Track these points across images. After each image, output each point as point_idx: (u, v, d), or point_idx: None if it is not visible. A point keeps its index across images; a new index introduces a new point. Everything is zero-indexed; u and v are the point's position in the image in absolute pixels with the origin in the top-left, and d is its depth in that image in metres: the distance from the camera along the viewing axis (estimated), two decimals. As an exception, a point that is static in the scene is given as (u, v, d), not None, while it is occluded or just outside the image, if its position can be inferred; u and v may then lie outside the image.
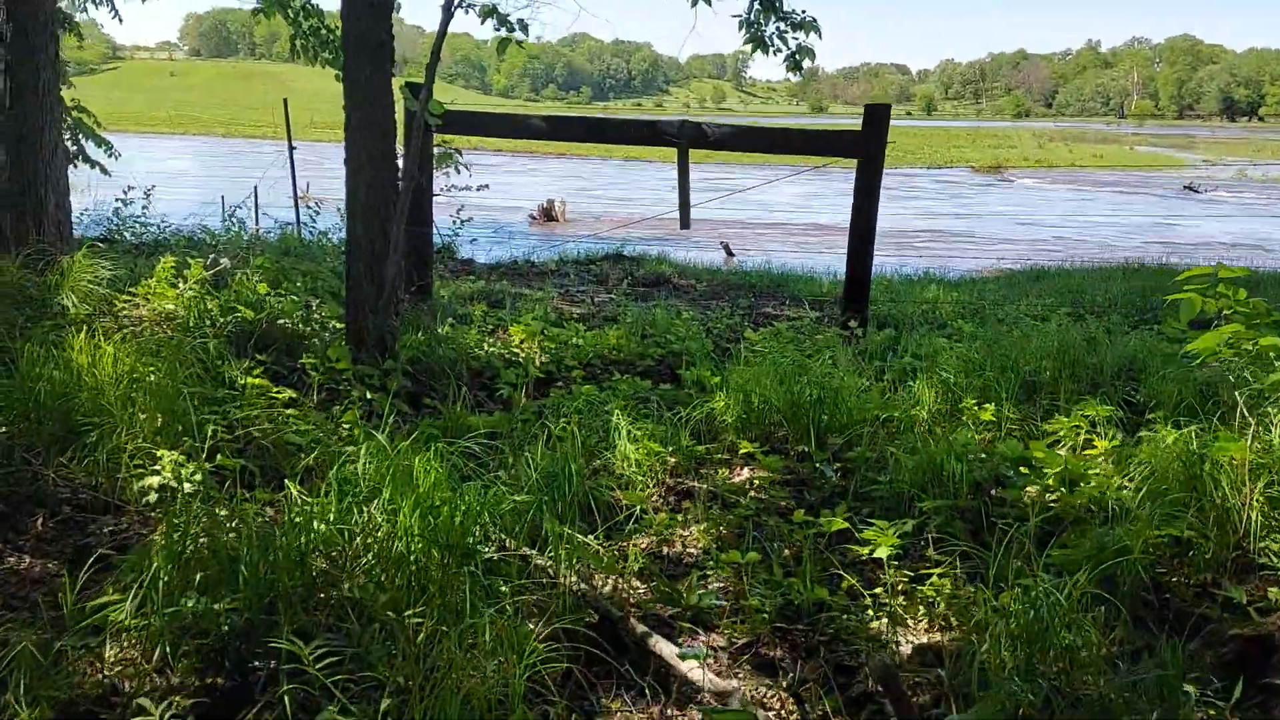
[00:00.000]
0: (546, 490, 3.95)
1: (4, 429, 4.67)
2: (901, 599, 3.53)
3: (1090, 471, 4.24)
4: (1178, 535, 3.63)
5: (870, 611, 3.45)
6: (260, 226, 13.77)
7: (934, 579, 3.52)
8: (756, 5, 8.49)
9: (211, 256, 7.63)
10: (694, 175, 8.82)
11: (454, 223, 12.67)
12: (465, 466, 3.89)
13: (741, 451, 4.99)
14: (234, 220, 12.40)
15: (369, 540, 3.28)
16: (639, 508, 4.19)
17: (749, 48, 8.85)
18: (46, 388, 4.79)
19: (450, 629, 2.79)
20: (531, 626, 3.02)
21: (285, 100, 14.79)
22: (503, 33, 6.74)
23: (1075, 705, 2.67)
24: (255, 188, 14.96)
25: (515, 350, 6.82)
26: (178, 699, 2.68)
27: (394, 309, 6.15)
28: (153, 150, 44.52)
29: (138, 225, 11.67)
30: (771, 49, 8.74)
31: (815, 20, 8.36)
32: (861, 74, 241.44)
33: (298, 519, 3.23)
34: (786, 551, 3.98)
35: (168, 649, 2.86)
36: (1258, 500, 3.61)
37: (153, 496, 4.07)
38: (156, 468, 4.13)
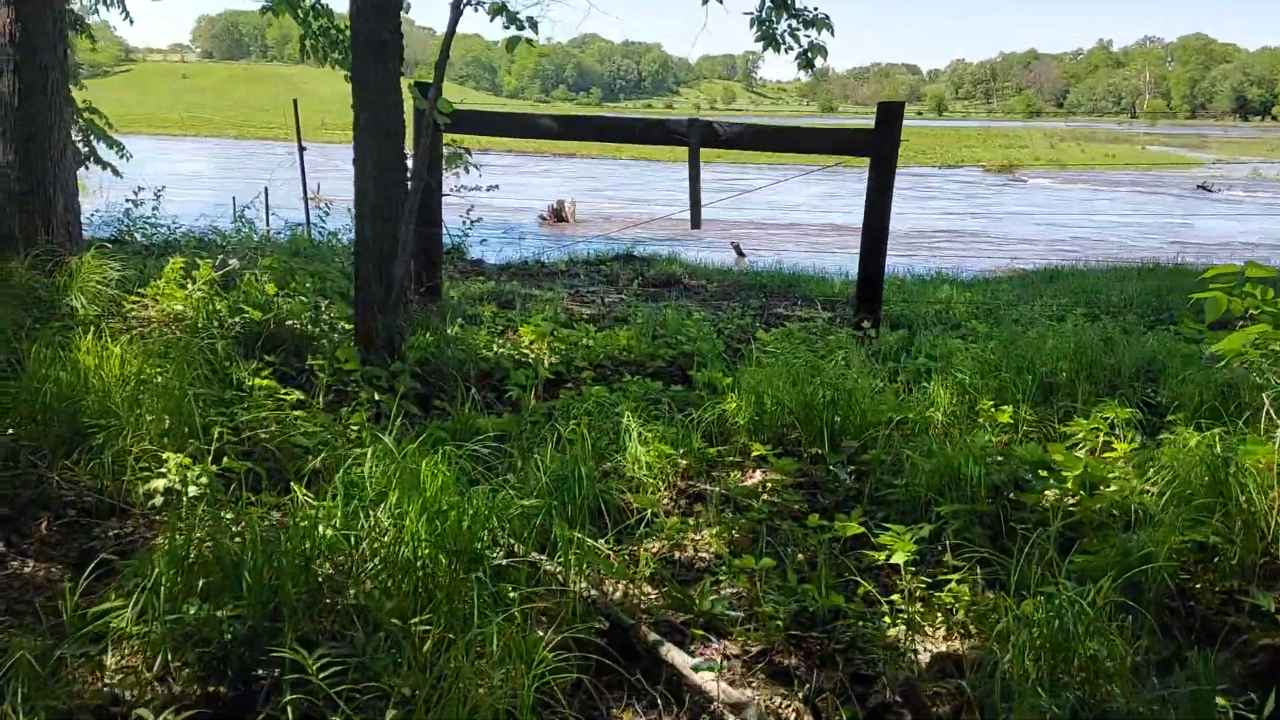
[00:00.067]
0: (556, 494, 3.88)
1: (11, 431, 4.63)
2: (919, 606, 3.45)
3: (1111, 475, 4.15)
4: (1202, 541, 3.54)
5: (887, 619, 3.37)
6: (270, 228, 13.74)
7: (952, 585, 3.44)
8: (768, 3, 8.41)
9: (220, 257, 7.59)
10: (707, 175, 8.75)
11: (463, 223, 12.61)
12: (473, 470, 3.82)
13: (754, 454, 4.91)
14: (244, 221, 12.37)
15: (375, 545, 3.22)
16: (650, 511, 4.12)
17: (760, 46, 8.77)
18: (53, 389, 4.75)
19: (458, 637, 2.72)
20: (540, 634, 2.96)
21: (295, 101, 14.77)
22: (512, 31, 6.68)
23: (1103, 718, 2.59)
24: (265, 189, 14.93)
25: (525, 351, 6.76)
26: (179, 709, 2.62)
27: (403, 310, 6.10)
28: (165, 152, 44.70)
29: (148, 226, 11.65)
30: (783, 47, 8.65)
31: (827, 17, 8.27)
32: (872, 74, 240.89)
33: (303, 523, 3.17)
34: (800, 556, 3.91)
35: (169, 657, 2.80)
36: (1285, 505, 3.52)
37: (158, 500, 4.02)
38: (162, 471, 4.09)
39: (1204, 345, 6.99)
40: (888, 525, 3.80)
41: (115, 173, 15.84)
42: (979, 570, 3.52)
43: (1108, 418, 4.78)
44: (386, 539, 3.23)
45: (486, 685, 2.57)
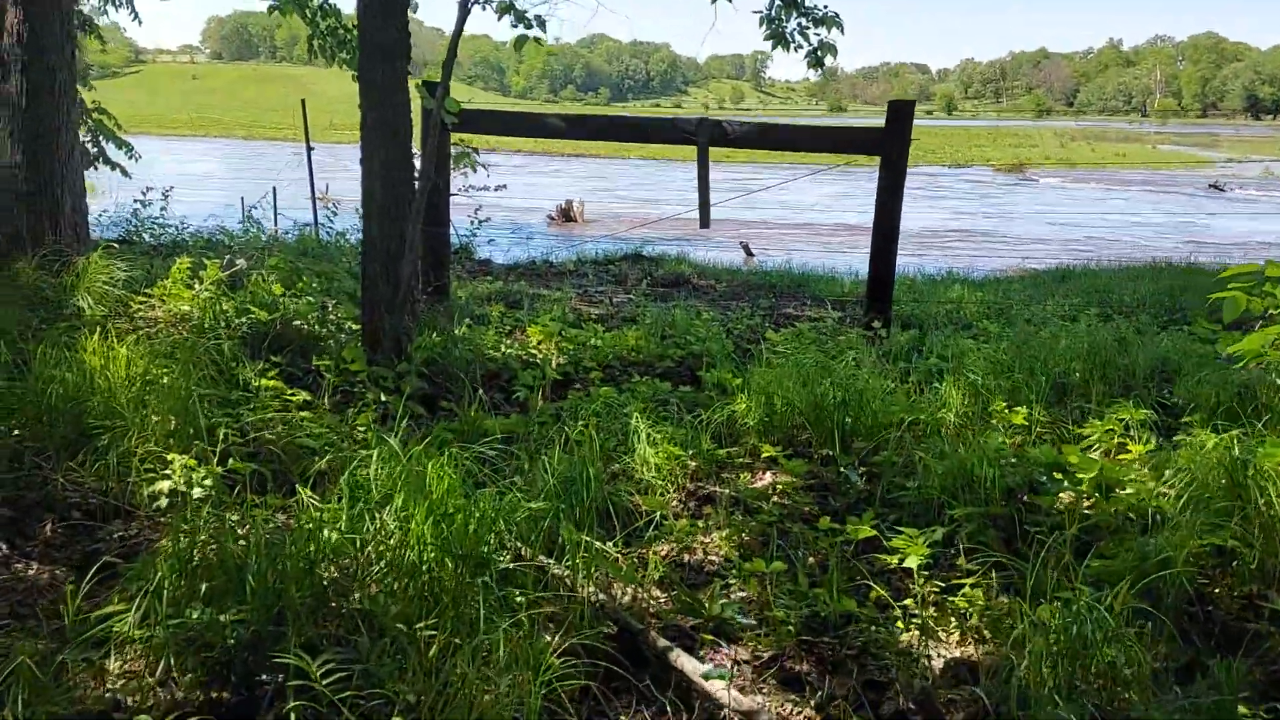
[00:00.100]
0: (564, 496, 3.83)
1: (17, 432, 4.61)
2: (932, 610, 3.39)
3: (1127, 478, 4.08)
4: (1221, 545, 3.47)
5: (900, 624, 3.31)
6: (278, 228, 13.74)
7: (966, 589, 3.39)
8: (778, 1, 8.36)
9: (227, 257, 7.57)
10: (719, 175, 8.69)
11: (471, 223, 12.59)
12: (480, 472, 3.77)
13: (764, 455, 4.86)
14: (252, 221, 12.37)
15: (381, 548, 3.18)
16: (659, 514, 4.07)
17: (770, 44, 8.72)
18: (59, 390, 4.72)
19: (464, 642, 2.68)
20: (548, 638, 2.91)
21: (303, 101, 14.78)
22: (520, 30, 6.65)
23: (1122, 728, 2.53)
24: (274, 189, 14.94)
25: (533, 351, 6.72)
26: (181, 715, 2.59)
27: (410, 310, 6.07)
28: (174, 153, 44.82)
29: (155, 226, 11.65)
30: (793, 45, 8.60)
31: (837, 15, 8.22)
32: (881, 73, 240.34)
33: (308, 526, 3.13)
34: (811, 559, 3.85)
35: (172, 662, 2.76)
36: (1306, 508, 3.46)
37: (163, 501, 3.99)
38: (167, 472, 4.05)
39: (1219, 345, 6.93)
40: (900, 528, 3.74)
41: (124, 173, 15.89)
42: (993, 574, 3.46)
43: (1123, 419, 4.72)
44: (392, 541, 3.19)
45: (493, 692, 2.53)
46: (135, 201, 11.99)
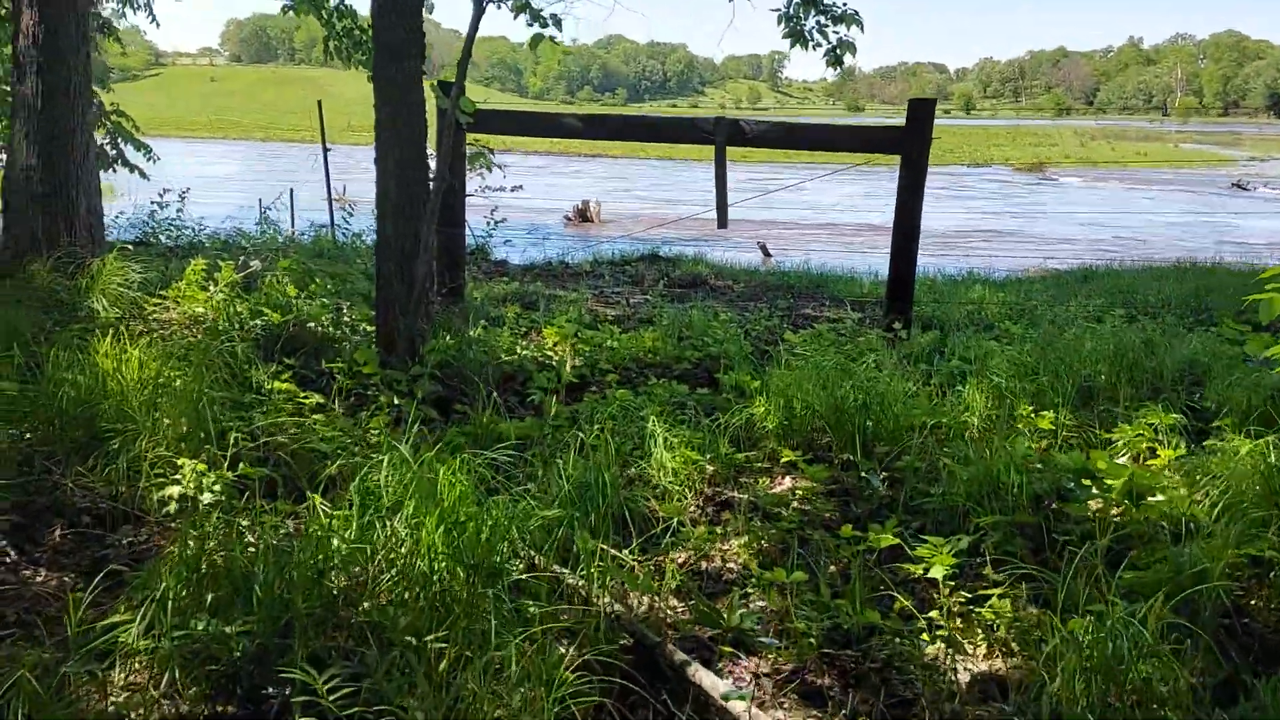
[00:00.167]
0: (579, 502, 3.75)
1: (29, 435, 4.57)
2: (958, 622, 3.29)
3: (1158, 485, 3.96)
4: (1258, 555, 3.36)
5: (925, 636, 3.21)
6: (295, 229, 13.74)
7: (994, 601, 3.28)
8: (796, -1, 8.27)
9: (242, 259, 7.54)
10: (738, 175, 8.60)
11: (487, 224, 12.54)
12: (493, 479, 3.69)
13: (783, 460, 4.76)
14: (269, 223, 12.35)
15: (392, 555, 3.10)
16: (676, 520, 3.98)
17: (788, 43, 8.63)
18: (70, 393, 4.68)
19: (475, 656, 2.60)
20: (562, 650, 2.83)
21: (319, 103, 14.77)
22: (536, 29, 6.59)
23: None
24: (291, 190, 14.95)
25: (548, 353, 6.65)
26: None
27: (425, 311, 6.01)
28: (193, 155, 45.06)
29: (172, 228, 11.66)
30: (811, 44, 8.51)
31: (856, 13, 8.12)
32: (899, 73, 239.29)
33: (317, 533, 3.06)
34: (833, 568, 3.76)
35: (177, 674, 2.69)
36: (1347, 517, 3.34)
37: (173, 507, 3.94)
38: (177, 477, 4.00)
39: (1248, 347, 6.77)
40: (924, 536, 3.64)
41: (142, 175, 15.94)
42: (1023, 585, 3.35)
43: (1152, 424, 4.60)
44: (404, 549, 3.11)
45: (505, 709, 2.45)
46: (152, 203, 12.00)
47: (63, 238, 7.39)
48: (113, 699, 2.68)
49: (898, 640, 3.18)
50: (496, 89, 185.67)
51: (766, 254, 18.87)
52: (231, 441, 4.14)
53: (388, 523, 3.20)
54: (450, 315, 6.94)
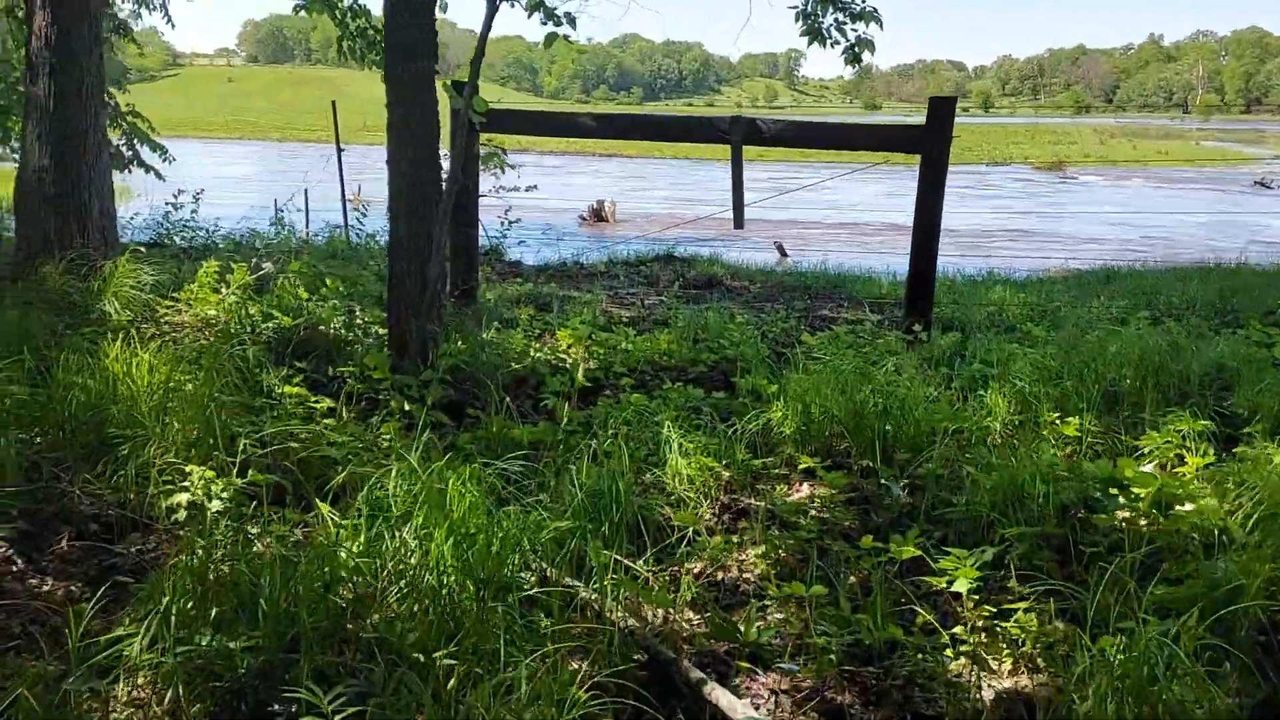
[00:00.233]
0: (592, 511, 3.67)
1: (38, 440, 4.53)
2: (982, 637, 3.19)
3: (1187, 494, 3.84)
4: (1294, 568, 3.24)
5: (949, 651, 3.11)
6: (309, 230, 13.72)
7: (1019, 615, 3.18)
8: (814, -4, 8.16)
9: (254, 261, 7.49)
10: (757, 174, 8.52)
11: (501, 224, 12.48)
12: (504, 489, 3.61)
13: (801, 466, 4.67)
14: (283, 224, 12.33)
15: (401, 567, 3.03)
16: (691, 529, 3.89)
17: (806, 41, 8.53)
18: (80, 398, 4.64)
19: (484, 674, 2.52)
20: (574, 665, 2.75)
21: (333, 103, 14.75)
22: (550, 28, 6.51)
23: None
24: (305, 191, 14.93)
25: (562, 355, 6.57)
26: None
27: (437, 313, 5.94)
28: (209, 155, 45.27)
29: (187, 229, 11.65)
30: (829, 42, 8.40)
31: (875, 10, 8.00)
32: (916, 71, 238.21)
33: (323, 545, 2.99)
34: (853, 579, 3.66)
35: (181, 691, 2.62)
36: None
37: (181, 514, 3.88)
38: (185, 484, 3.94)
39: (1278, 350, 6.63)
40: (946, 547, 3.55)
41: (158, 176, 15.98)
42: (1046, 597, 3.25)
43: (1180, 430, 4.48)
44: (413, 560, 3.04)
45: (514, 730, 2.37)
46: (167, 204, 12.00)
47: (75, 239, 7.36)
48: (115, 715, 2.62)
49: (920, 656, 3.09)
50: (512, 88, 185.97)
51: (783, 253, 18.75)
52: (241, 448, 4.09)
53: (397, 533, 3.13)
54: (463, 317, 6.88)
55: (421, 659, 2.63)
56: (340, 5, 9.91)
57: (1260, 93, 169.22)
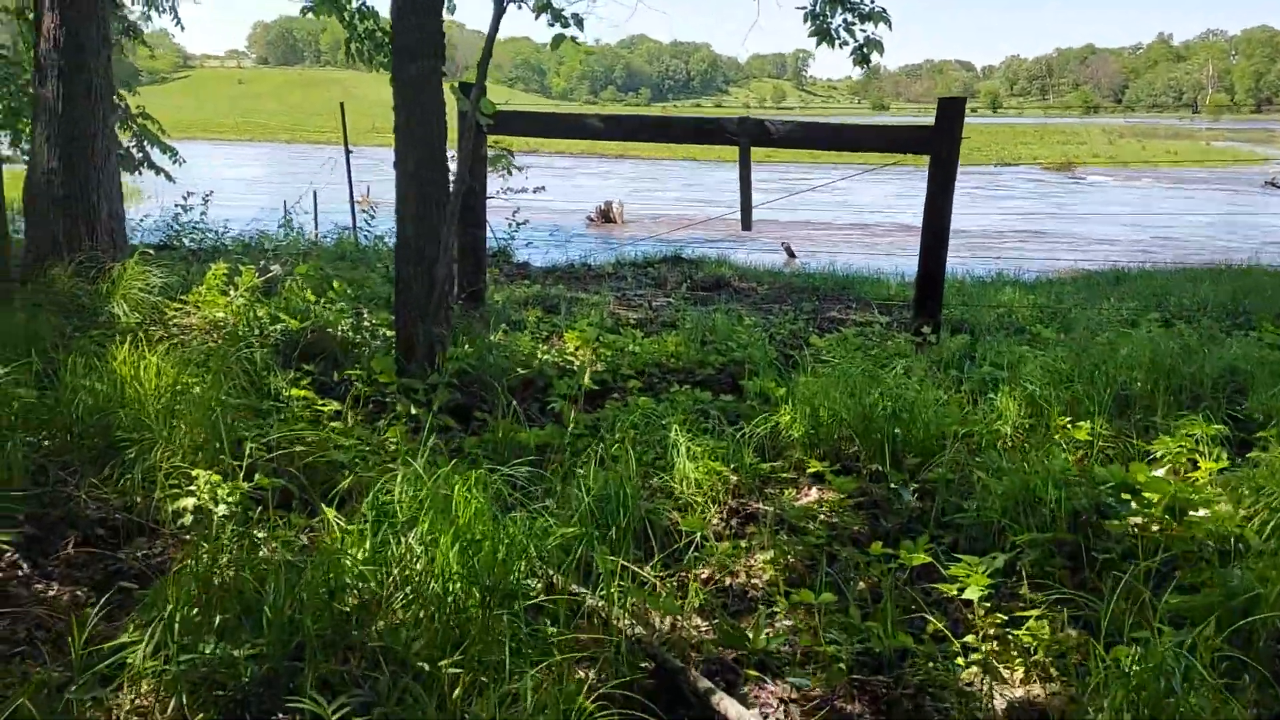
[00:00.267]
0: (599, 516, 3.64)
1: (46, 443, 4.52)
2: (994, 645, 3.15)
3: (1200, 499, 3.80)
4: (1311, 576, 3.19)
5: (959, 660, 3.07)
6: (318, 231, 13.73)
7: (1031, 623, 3.14)
8: (822, -4, 8.13)
9: (262, 263, 7.49)
10: (768, 174, 8.49)
11: (509, 225, 12.47)
12: (510, 496, 3.58)
13: (809, 470, 4.64)
14: (291, 226, 12.33)
15: (407, 572, 3.01)
16: (699, 534, 3.86)
17: (814, 41, 8.49)
18: (87, 401, 4.63)
19: (490, 683, 2.49)
20: (581, 674, 2.72)
21: (341, 105, 14.75)
22: (557, 29, 6.49)
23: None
24: (315, 193, 14.95)
25: (569, 358, 6.55)
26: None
27: (445, 315, 5.92)
28: (220, 157, 45.40)
29: (196, 231, 11.67)
30: (838, 42, 8.37)
31: (884, 10, 7.96)
32: (925, 71, 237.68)
33: (328, 551, 2.97)
34: (862, 585, 3.63)
35: (184, 699, 2.60)
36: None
37: (187, 519, 3.87)
38: (192, 488, 3.93)
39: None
40: (956, 552, 3.51)
41: (168, 178, 16.02)
42: (1064, 611, 3.21)
43: (1193, 435, 4.43)
44: (419, 566, 3.02)
45: (520, 741, 2.34)
46: (176, 206, 12.02)
47: (84, 241, 7.36)
48: (118, 724, 2.60)
49: (931, 665, 3.05)
50: (520, 89, 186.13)
51: (791, 254, 18.70)
52: (247, 452, 4.07)
53: (402, 539, 3.10)
54: (471, 320, 6.86)
55: (426, 668, 2.60)
56: (348, 7, 9.90)
57: (1271, 92, 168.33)
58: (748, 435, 4.93)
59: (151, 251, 7.84)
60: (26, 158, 8.75)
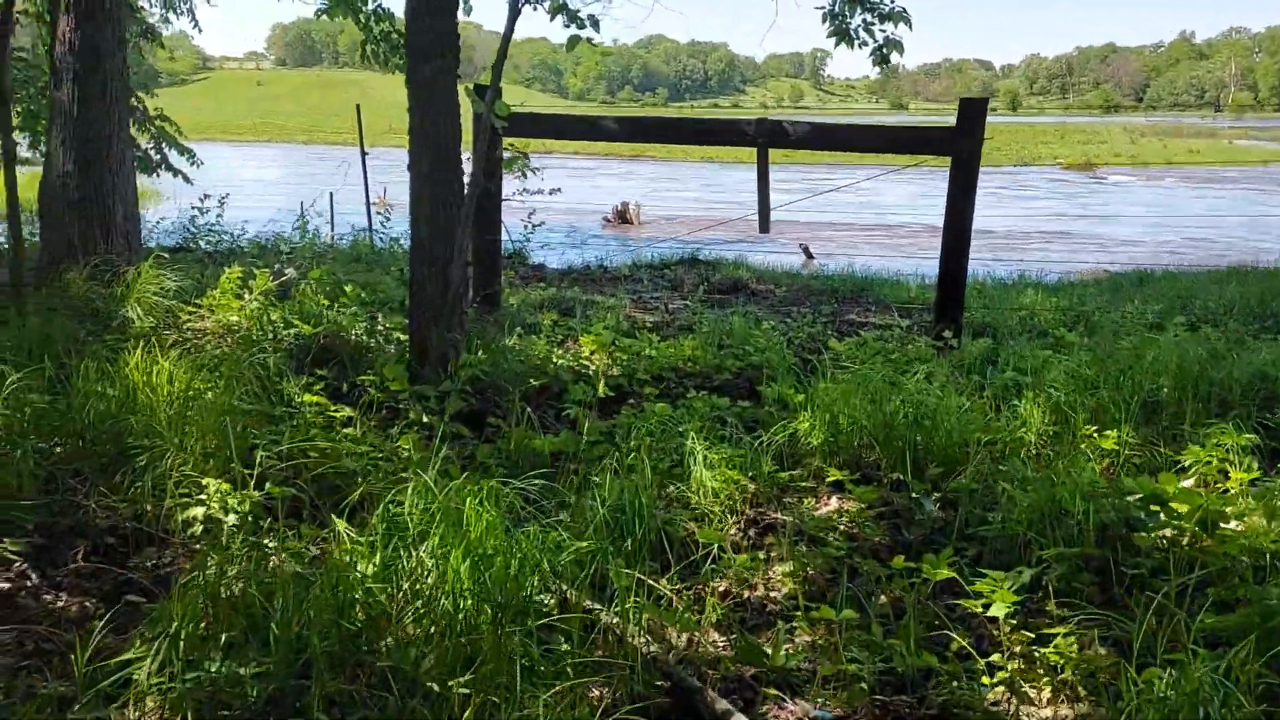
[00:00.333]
0: (614, 527, 3.57)
1: (58, 450, 4.48)
2: (1020, 663, 3.06)
3: (1233, 511, 3.69)
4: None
5: (985, 679, 2.98)
6: (334, 233, 13.73)
7: (1058, 641, 3.04)
8: (841, -4, 8.03)
9: (276, 266, 7.45)
10: (789, 174, 8.42)
11: (525, 227, 12.42)
12: (523, 509, 3.51)
13: (829, 479, 4.55)
14: (307, 228, 12.33)
15: (419, 585, 2.94)
16: (716, 546, 3.78)
17: (833, 42, 8.40)
18: (99, 406, 4.59)
19: (502, 705, 2.42)
20: (596, 693, 2.65)
21: (358, 107, 14.75)
22: (573, 30, 6.43)
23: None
24: (331, 195, 14.96)
25: (585, 362, 6.48)
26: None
27: (459, 319, 5.87)
28: (238, 158, 45.65)
29: (212, 233, 11.68)
30: (857, 43, 8.27)
31: (905, 11, 7.85)
32: (943, 70, 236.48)
33: (337, 566, 2.90)
34: (884, 599, 3.54)
35: (189, 718, 2.54)
36: None
37: (197, 528, 3.82)
38: (202, 497, 3.88)
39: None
40: (980, 566, 3.42)
41: (186, 179, 16.09)
42: (1086, 621, 3.11)
43: (1224, 444, 4.31)
44: (430, 580, 2.95)
45: (531, 766, 2.27)
46: (193, 208, 12.04)
47: (99, 244, 7.34)
48: (122, 744, 2.54)
49: (956, 685, 2.96)
50: (538, 89, 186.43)
51: (809, 255, 18.57)
52: (258, 460, 4.02)
53: (413, 552, 3.04)
54: (485, 324, 6.80)
55: (436, 689, 2.54)
56: (364, 9, 9.88)
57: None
58: (766, 443, 4.85)
59: (166, 255, 7.82)
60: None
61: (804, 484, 4.62)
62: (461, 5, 6.33)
